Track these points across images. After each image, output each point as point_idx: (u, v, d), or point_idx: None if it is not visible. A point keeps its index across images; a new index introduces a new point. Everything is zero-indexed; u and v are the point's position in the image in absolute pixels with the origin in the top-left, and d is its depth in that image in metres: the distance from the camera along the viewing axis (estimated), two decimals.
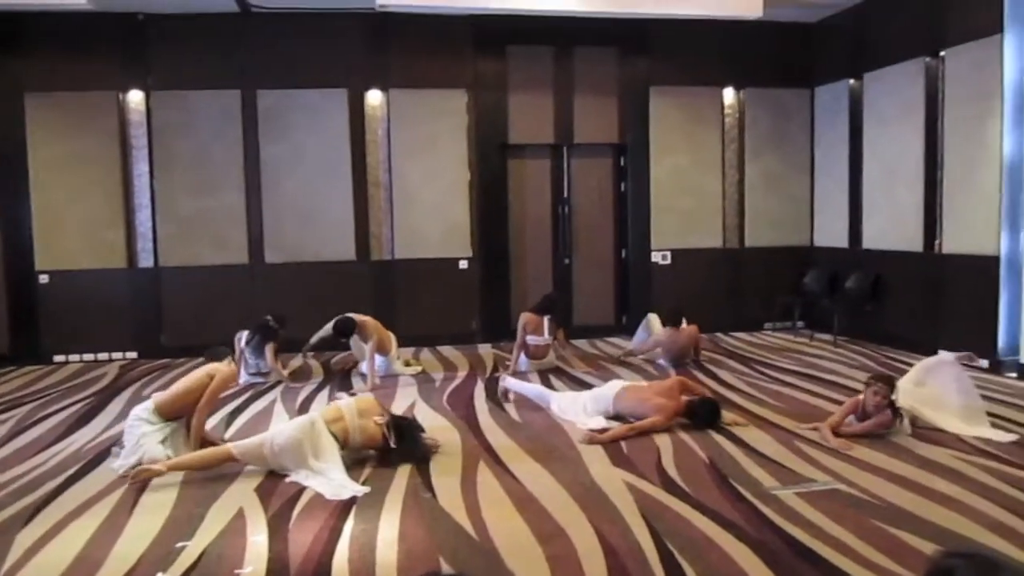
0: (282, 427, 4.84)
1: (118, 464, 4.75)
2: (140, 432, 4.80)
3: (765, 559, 3.42)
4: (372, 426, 4.80)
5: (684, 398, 5.58)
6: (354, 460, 4.81)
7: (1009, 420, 5.57)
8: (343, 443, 4.73)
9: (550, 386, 6.74)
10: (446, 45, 9.06)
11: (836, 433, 5.15)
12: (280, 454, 4.57)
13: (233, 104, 8.78)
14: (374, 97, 9.05)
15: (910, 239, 8.17)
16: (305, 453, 4.55)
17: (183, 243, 8.76)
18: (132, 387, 7.28)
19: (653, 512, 3.97)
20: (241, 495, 4.30)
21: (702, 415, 5.45)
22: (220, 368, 5.09)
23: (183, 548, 3.63)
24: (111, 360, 8.65)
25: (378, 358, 7.35)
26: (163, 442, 4.81)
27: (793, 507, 4.00)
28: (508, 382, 6.48)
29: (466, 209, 9.23)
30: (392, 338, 7.66)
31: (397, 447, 4.78)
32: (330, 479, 4.43)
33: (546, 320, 7.55)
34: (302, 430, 4.64)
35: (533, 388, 6.41)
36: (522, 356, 7.56)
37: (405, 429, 4.90)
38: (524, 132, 9.41)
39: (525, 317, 7.56)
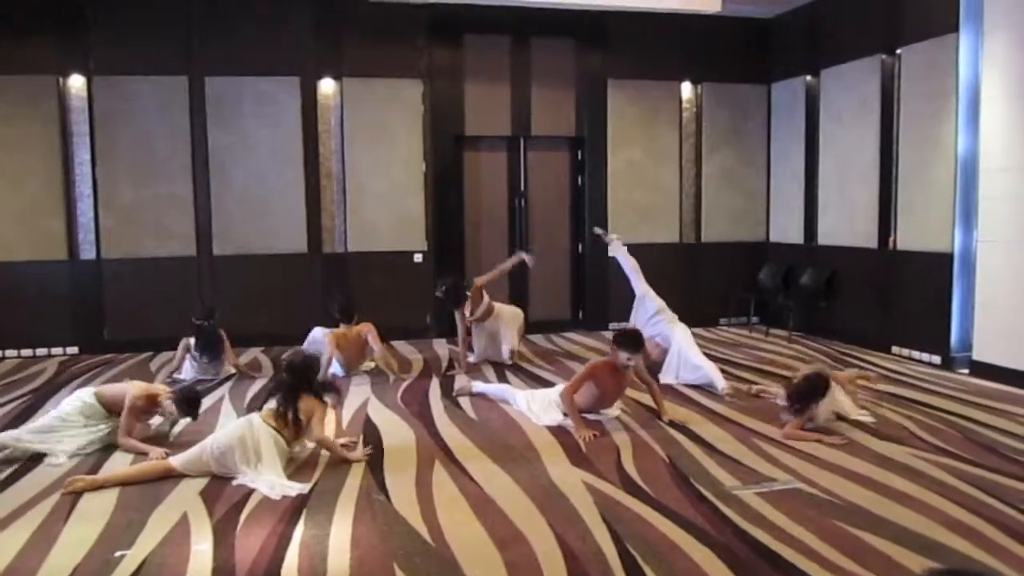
0: (220, 432, 4.69)
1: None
2: (69, 426, 4.86)
3: (729, 563, 3.35)
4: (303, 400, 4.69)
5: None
6: (303, 461, 4.67)
7: (959, 416, 5.61)
8: (289, 436, 4.58)
9: (508, 383, 6.63)
10: (401, 33, 8.87)
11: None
12: (222, 457, 4.42)
13: (179, 91, 8.48)
14: (327, 86, 8.82)
15: (865, 236, 8.22)
16: (247, 451, 4.41)
17: (127, 234, 8.44)
18: (73, 383, 6.98)
19: (614, 514, 3.88)
20: (185, 500, 4.11)
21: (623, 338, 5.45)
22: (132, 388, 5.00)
23: (122, 557, 3.44)
24: (50, 355, 8.32)
25: (337, 365, 7.12)
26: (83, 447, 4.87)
27: (754, 507, 3.95)
28: (475, 387, 6.41)
29: (421, 201, 9.06)
30: (374, 353, 7.18)
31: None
32: (266, 479, 4.29)
33: (467, 304, 7.46)
34: (241, 429, 4.51)
35: (497, 388, 6.36)
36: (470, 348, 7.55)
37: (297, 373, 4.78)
38: (480, 123, 9.26)
39: (456, 314, 7.48)
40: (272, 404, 4.70)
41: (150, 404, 5.06)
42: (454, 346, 7.99)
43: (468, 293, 7.47)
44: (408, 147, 9.00)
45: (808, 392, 5.21)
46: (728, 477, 4.40)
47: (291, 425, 4.57)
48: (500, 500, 4.09)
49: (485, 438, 5.20)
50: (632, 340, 5.44)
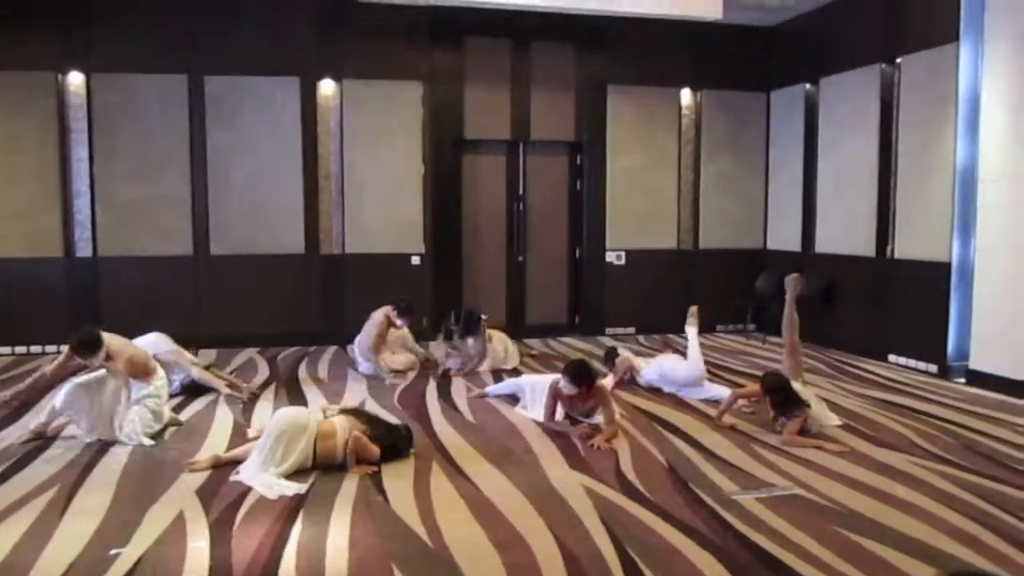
0: (283, 412, 4.72)
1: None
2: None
3: (729, 567, 3.33)
4: (362, 444, 4.54)
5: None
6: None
7: (957, 424, 5.61)
8: (316, 461, 4.50)
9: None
10: (402, 35, 8.86)
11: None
12: (268, 442, 4.40)
13: (179, 89, 8.45)
14: (327, 87, 8.80)
15: (863, 244, 8.22)
16: (277, 449, 4.37)
17: (124, 232, 8.40)
18: (68, 382, 6.92)
19: (613, 517, 3.86)
20: (181, 498, 4.08)
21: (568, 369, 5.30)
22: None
23: (118, 555, 3.41)
24: (45, 353, 8.27)
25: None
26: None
27: (754, 513, 3.93)
28: (488, 390, 6.49)
29: (419, 204, 9.04)
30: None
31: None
32: (264, 479, 4.26)
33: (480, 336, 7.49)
34: (294, 426, 4.47)
35: (506, 384, 6.42)
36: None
37: (397, 441, 4.75)
38: (480, 127, 9.25)
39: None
40: (338, 421, 4.64)
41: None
42: (452, 351, 7.83)
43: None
44: (407, 149, 8.98)
45: (783, 396, 5.24)
46: (727, 482, 4.39)
47: (332, 455, 4.52)
48: (499, 502, 4.06)
49: (483, 440, 5.18)
50: (573, 373, 5.25)
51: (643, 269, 9.61)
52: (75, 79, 8.27)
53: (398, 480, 4.38)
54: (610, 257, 9.59)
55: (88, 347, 5.13)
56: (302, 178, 8.73)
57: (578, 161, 9.68)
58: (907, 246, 7.69)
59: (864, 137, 8.16)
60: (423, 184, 9.05)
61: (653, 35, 9.33)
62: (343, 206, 8.89)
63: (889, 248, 7.91)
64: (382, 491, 4.21)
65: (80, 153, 8.33)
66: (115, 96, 8.31)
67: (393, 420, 5.14)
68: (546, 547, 3.52)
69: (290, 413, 4.70)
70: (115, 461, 4.69)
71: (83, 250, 8.39)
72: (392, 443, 4.69)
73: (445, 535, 3.65)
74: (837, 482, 4.39)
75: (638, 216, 9.63)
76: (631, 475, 4.51)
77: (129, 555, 3.41)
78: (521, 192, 9.57)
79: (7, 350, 8.22)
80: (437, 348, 7.99)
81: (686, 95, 9.72)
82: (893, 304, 7.85)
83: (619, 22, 9.09)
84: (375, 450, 4.56)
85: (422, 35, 8.91)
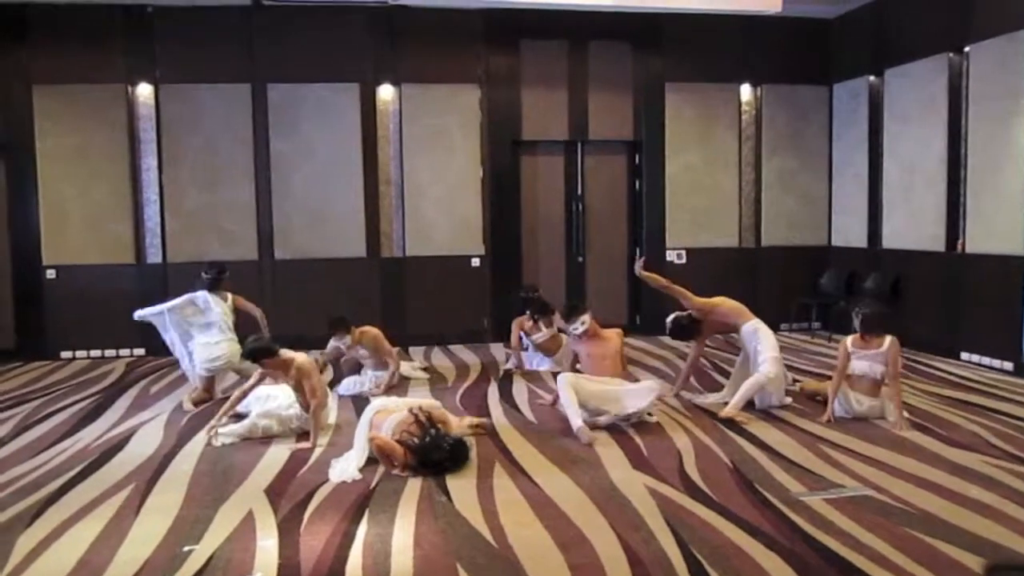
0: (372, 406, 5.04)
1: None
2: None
3: (798, 569, 3.27)
4: (398, 448, 4.57)
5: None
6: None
7: None
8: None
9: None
10: (459, 39, 8.93)
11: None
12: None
13: (243, 98, 8.65)
14: (386, 92, 8.91)
15: (931, 239, 8.00)
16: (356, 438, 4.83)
17: (191, 238, 8.63)
18: (139, 384, 7.16)
19: (677, 518, 3.83)
20: (250, 497, 4.17)
21: None
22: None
23: (190, 552, 3.50)
24: (118, 357, 8.54)
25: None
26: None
27: (823, 514, 3.85)
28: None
29: (478, 206, 9.09)
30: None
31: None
32: (341, 466, 4.58)
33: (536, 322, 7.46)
34: (363, 418, 4.90)
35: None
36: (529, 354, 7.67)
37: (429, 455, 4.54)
38: (537, 128, 9.26)
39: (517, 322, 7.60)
40: (393, 417, 4.76)
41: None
42: (510, 350, 7.77)
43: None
44: (465, 152, 9.04)
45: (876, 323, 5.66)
46: (794, 483, 4.31)
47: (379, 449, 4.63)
48: (561, 503, 4.06)
49: (544, 441, 5.17)
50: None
51: (704, 267, 9.49)
52: (144, 91, 8.53)
53: (461, 480, 4.41)
54: (670, 256, 9.50)
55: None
56: (363, 182, 8.85)
57: (636, 160, 9.62)
58: (979, 240, 7.45)
59: (932, 129, 7.94)
60: (482, 186, 9.10)
61: (710, 31, 9.22)
62: (403, 209, 8.98)
63: (959, 242, 7.68)
64: (446, 491, 4.24)
65: (149, 162, 8.60)
66: (182, 106, 8.56)
67: (453, 436, 4.76)
68: (610, 548, 3.51)
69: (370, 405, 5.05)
70: (186, 461, 4.81)
71: (153, 256, 8.65)
72: (437, 453, 4.52)
73: (509, 535, 3.66)
74: (909, 483, 4.28)
75: (698, 215, 9.52)
76: (695, 475, 4.46)
77: (201, 552, 3.50)
78: (579, 192, 9.56)
79: (83, 354, 8.50)
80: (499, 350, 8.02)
81: (746, 91, 9.58)
82: (965, 300, 7.62)
83: (676, 19, 9.02)
84: (399, 451, 4.54)
85: (478, 38, 8.97)
